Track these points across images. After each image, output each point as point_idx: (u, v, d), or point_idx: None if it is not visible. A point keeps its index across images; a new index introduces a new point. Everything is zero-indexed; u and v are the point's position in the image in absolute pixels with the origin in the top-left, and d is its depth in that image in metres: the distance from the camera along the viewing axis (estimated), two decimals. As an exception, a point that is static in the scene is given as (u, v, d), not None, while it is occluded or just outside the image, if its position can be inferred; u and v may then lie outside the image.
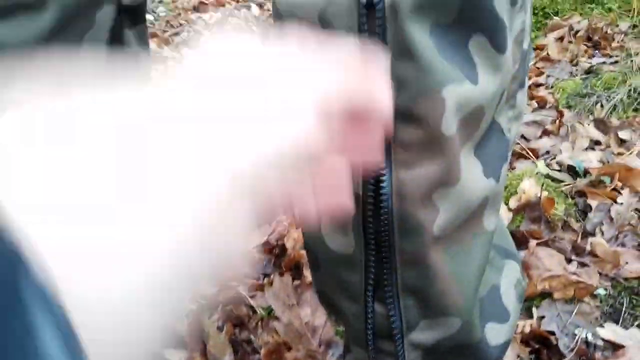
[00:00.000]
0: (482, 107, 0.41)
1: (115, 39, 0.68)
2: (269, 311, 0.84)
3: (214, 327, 0.74)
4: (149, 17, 3.04)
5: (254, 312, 0.84)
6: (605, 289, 0.86)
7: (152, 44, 2.36)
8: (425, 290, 0.46)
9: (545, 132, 1.25)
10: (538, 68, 1.56)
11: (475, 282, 0.49)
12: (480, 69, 0.39)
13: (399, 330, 0.49)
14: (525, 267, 0.87)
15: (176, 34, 2.57)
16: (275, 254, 1.00)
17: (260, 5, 3.32)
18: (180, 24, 2.79)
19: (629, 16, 1.69)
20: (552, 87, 1.43)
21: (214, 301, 0.80)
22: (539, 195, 0.98)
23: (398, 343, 0.50)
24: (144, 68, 0.75)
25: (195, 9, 3.52)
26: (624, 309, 0.84)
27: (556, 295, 0.84)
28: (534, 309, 0.83)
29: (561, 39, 1.62)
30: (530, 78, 1.48)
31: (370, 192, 0.43)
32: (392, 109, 0.39)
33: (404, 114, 0.38)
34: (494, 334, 0.53)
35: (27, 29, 0.58)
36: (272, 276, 0.93)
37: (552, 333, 0.80)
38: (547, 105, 1.38)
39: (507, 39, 0.40)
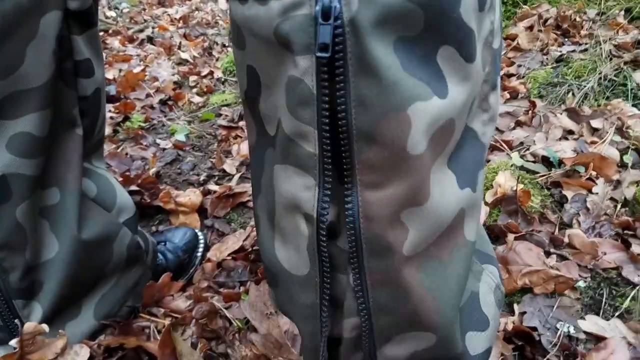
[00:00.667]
0: (452, 120, 0.39)
1: (63, 47, 0.63)
2: (246, 322, 0.81)
3: (188, 343, 0.71)
4: (111, 13, 2.94)
5: (231, 323, 0.81)
6: (585, 281, 0.86)
7: (115, 42, 2.27)
8: (398, 309, 0.45)
9: (519, 123, 1.25)
10: (509, 58, 1.56)
11: (456, 296, 0.47)
12: (450, 81, 0.37)
13: (372, 344, 0.47)
14: (505, 262, 0.86)
15: (140, 30, 2.48)
16: (250, 259, 0.96)
17: (227, -1, 3.24)
18: (145, 20, 2.70)
19: (596, 3, 1.70)
20: (523, 77, 1.43)
21: (187, 316, 0.76)
22: (514, 188, 0.97)
23: (371, 357, 0.48)
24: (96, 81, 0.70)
25: (161, 3, 3.42)
26: (604, 300, 0.84)
27: (537, 290, 0.83)
28: (515, 305, 0.82)
29: (531, 27, 1.62)
30: (501, 69, 1.48)
31: (332, 214, 0.41)
32: (354, 129, 0.35)
33: (367, 135, 0.36)
34: (475, 343, 0.52)
35: None
36: (248, 284, 0.90)
37: (535, 329, 0.79)
38: (519, 96, 1.38)
39: (475, 46, 0.38)
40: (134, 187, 1.11)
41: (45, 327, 0.64)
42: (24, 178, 0.62)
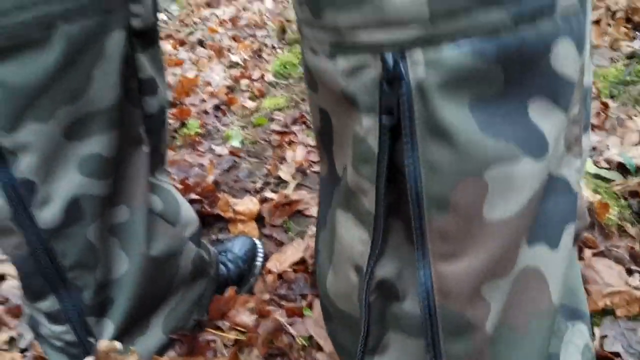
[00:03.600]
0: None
1: (128, 66, 0.63)
2: (309, 338, 0.80)
3: (256, 363, 0.70)
4: (162, 16, 3.00)
5: (294, 338, 0.80)
6: (671, 302, 0.80)
7: (167, 45, 2.31)
8: None
9: (590, 126, 1.17)
10: (575, 54, 1.47)
11: None
12: (550, 136, 0.34)
13: None
14: (583, 281, 0.81)
15: (191, 33, 2.52)
16: (310, 272, 0.95)
17: (274, -2, 3.24)
18: (195, 23, 2.74)
19: (670, -8, 1.58)
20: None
21: (253, 336, 0.75)
22: (591, 199, 0.91)
23: None
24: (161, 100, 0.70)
25: (208, 4, 3.47)
26: (693, 323, 0.78)
27: (619, 312, 0.77)
28: (595, 328, 0.77)
29: (598, 22, 1.52)
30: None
31: (389, 272, 0.40)
32: (424, 196, 0.34)
33: (438, 202, 0.34)
34: None
35: (31, 68, 0.52)
36: (309, 298, 0.89)
37: (617, 354, 0.74)
38: (589, 96, 1.30)
39: (574, 93, 0.35)
40: (194, 196, 1.12)
41: (118, 344, 0.65)
42: (95, 198, 0.63)
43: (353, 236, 0.41)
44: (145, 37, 0.65)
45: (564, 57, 0.31)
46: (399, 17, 0.29)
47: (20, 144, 0.56)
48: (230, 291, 0.85)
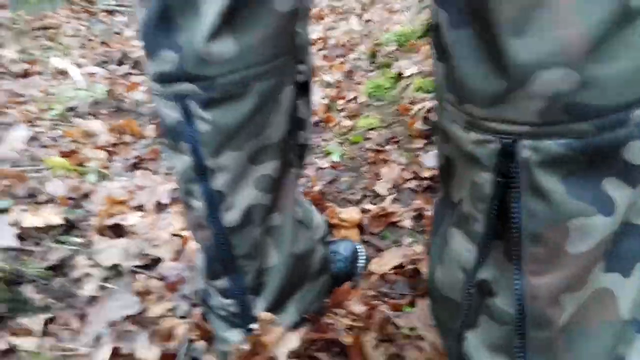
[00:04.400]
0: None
1: (292, 110, 0.83)
2: (411, 329, 0.97)
3: (371, 345, 0.89)
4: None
5: (398, 329, 0.98)
6: None
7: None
8: None
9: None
10: None
11: None
12: (618, 203, 0.46)
13: None
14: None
15: (285, 51, 2.76)
16: (408, 275, 1.13)
17: (359, 17, 3.44)
18: (288, 41, 2.99)
19: None
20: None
21: (369, 322, 0.94)
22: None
23: None
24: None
25: (297, 21, 3.71)
26: None
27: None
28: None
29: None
30: None
31: (489, 275, 0.56)
32: (523, 231, 0.50)
33: (533, 237, 0.49)
34: None
35: (233, 113, 0.73)
36: (408, 297, 1.06)
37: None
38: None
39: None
40: (306, 204, 1.33)
41: (274, 316, 0.85)
42: (262, 207, 0.84)
43: (462, 247, 0.58)
44: (305, 88, 0.85)
45: (634, 152, 0.43)
46: (517, 119, 0.44)
47: (220, 165, 0.78)
48: (346, 285, 1.04)
